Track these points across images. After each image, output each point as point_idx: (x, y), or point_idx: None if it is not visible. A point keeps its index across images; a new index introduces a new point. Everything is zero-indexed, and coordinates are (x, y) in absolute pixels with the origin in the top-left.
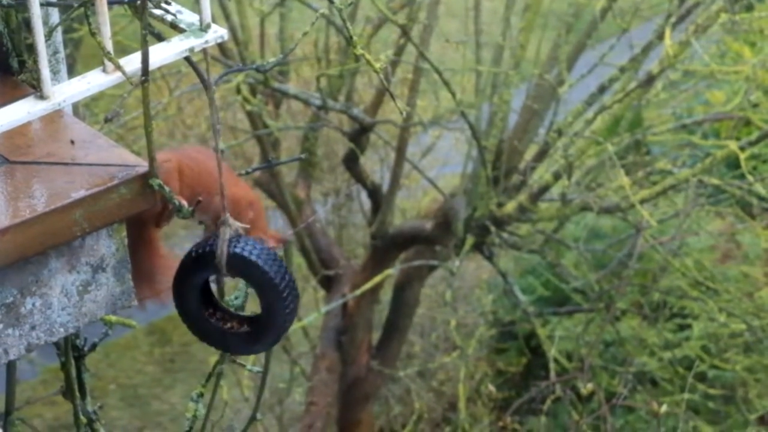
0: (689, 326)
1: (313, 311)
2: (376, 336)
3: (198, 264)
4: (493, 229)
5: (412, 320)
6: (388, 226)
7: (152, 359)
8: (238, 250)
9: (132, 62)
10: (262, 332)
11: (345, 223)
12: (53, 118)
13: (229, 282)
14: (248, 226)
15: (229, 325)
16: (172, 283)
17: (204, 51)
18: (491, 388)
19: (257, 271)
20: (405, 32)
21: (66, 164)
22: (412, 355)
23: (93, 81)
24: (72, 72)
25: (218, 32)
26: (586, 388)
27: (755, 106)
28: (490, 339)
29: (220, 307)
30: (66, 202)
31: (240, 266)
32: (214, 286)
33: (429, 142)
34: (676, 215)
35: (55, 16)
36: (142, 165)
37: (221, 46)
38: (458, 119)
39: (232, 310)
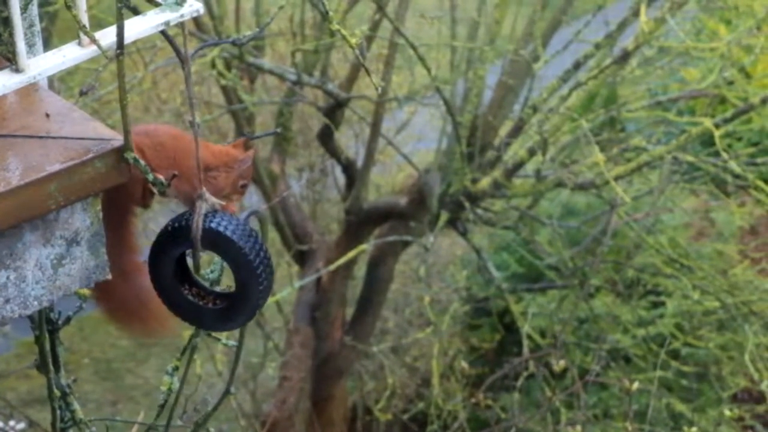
0: (663, 303)
1: (287, 286)
2: (349, 311)
3: (174, 238)
4: (467, 205)
5: (386, 296)
6: (363, 201)
7: (125, 334)
8: (213, 225)
9: (107, 36)
10: (236, 308)
11: (319, 199)
12: (28, 91)
13: (205, 256)
14: (223, 203)
15: (204, 301)
16: (148, 257)
17: (181, 25)
18: (464, 364)
19: (232, 246)
20: (380, 7)
21: (41, 137)
22: (385, 331)
23: (68, 54)
24: (47, 46)
25: (194, 6)
26: (559, 364)
27: (730, 83)
28: (464, 315)
29: (196, 282)
30: (41, 176)
31: (215, 241)
32: (190, 261)
33: (404, 118)
34: (650, 192)
35: None
36: (117, 139)
37: (196, 21)
38: (433, 95)
39: (207, 286)
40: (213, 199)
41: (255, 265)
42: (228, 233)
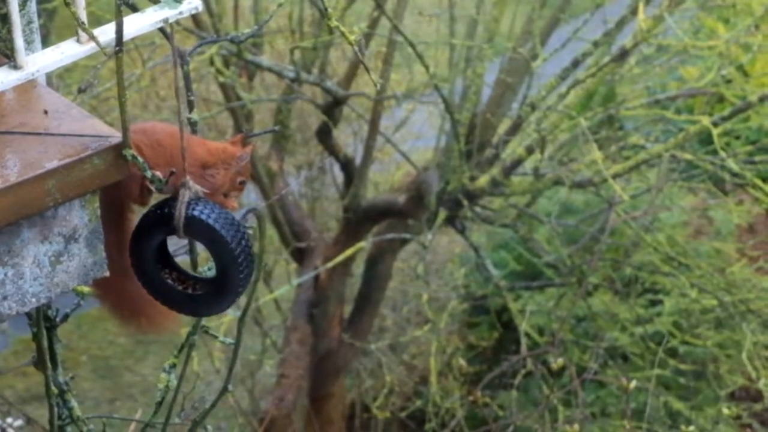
0: (661, 302)
1: (285, 283)
2: (347, 309)
3: (156, 224)
4: (465, 202)
5: (384, 293)
6: (361, 199)
7: (124, 331)
8: (196, 213)
9: (106, 33)
10: (216, 295)
11: (318, 196)
12: (27, 88)
13: (204, 253)
14: (208, 190)
15: (184, 285)
16: (130, 242)
17: (173, 21)
18: (462, 362)
19: (213, 234)
20: (379, 5)
21: (39, 134)
22: (383, 329)
23: (67, 51)
24: (46, 43)
25: (192, 3)
26: (557, 362)
27: (728, 82)
28: (462, 313)
29: (176, 267)
30: (39, 173)
31: (197, 229)
32: (183, 252)
33: (402, 116)
34: (648, 190)
35: None
36: (116, 136)
37: (195, 18)
38: (432, 93)
39: (188, 271)
40: (196, 187)
41: (236, 254)
42: (210, 221)
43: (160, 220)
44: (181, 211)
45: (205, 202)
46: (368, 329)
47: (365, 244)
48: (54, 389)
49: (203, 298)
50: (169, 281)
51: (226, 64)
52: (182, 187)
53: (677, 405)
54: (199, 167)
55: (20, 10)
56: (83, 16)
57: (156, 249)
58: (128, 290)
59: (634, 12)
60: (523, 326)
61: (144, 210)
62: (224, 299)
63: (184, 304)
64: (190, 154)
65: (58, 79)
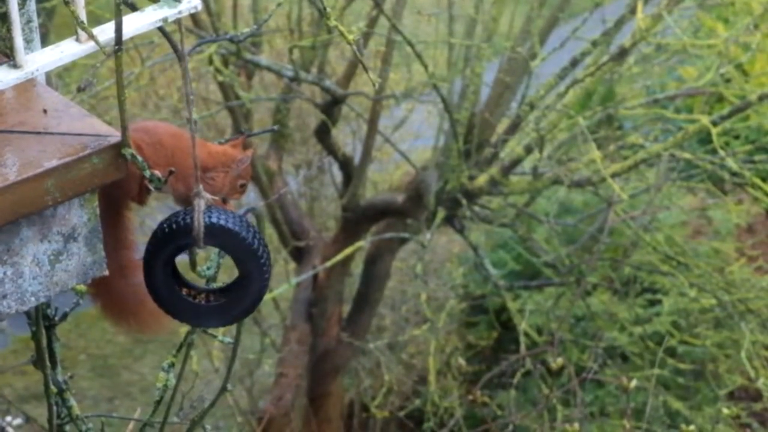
0: (660, 301)
1: (284, 283)
2: (346, 308)
3: (171, 237)
4: (464, 202)
5: (383, 293)
6: (360, 198)
7: (122, 330)
8: (214, 220)
9: (105, 32)
10: (237, 301)
11: (316, 196)
12: (26, 87)
13: (202, 252)
14: (217, 197)
15: (196, 299)
16: (144, 260)
17: (178, 21)
18: (461, 361)
19: (236, 238)
20: (377, 4)
21: (38, 133)
22: (382, 328)
23: (66, 50)
24: (45, 42)
25: (192, 2)
26: (556, 362)
27: (728, 81)
28: (461, 312)
29: (185, 282)
30: (38, 171)
31: (218, 236)
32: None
33: (401, 115)
34: (647, 190)
35: None
36: (115, 135)
37: (194, 17)
38: (430, 92)
39: (197, 284)
40: (207, 195)
41: (259, 254)
42: (230, 226)
43: (176, 233)
44: (199, 220)
45: (216, 208)
46: (367, 328)
47: (364, 244)
48: (53, 388)
49: (221, 307)
50: (182, 295)
51: (225, 63)
52: (196, 197)
53: (676, 404)
54: (199, 170)
55: (20, 9)
56: (82, 15)
57: (169, 266)
58: (121, 290)
59: (633, 11)
60: (522, 326)
61: (145, 225)
62: (245, 304)
63: (202, 316)
64: (191, 156)
65: (57, 78)
